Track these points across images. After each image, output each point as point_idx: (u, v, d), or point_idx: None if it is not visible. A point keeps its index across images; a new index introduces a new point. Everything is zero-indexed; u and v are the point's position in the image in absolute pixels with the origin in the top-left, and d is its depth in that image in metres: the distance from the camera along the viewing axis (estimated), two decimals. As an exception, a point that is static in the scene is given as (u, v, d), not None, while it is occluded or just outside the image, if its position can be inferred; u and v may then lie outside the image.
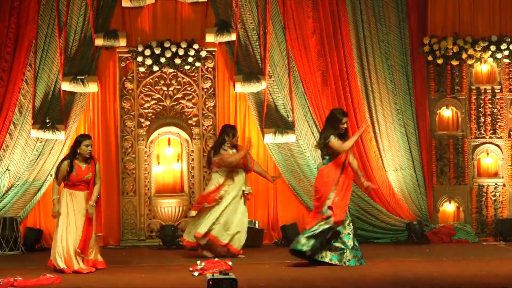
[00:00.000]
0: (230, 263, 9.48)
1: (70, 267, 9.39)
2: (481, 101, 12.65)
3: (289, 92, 12.31)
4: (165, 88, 12.42)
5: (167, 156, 12.50)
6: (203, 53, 12.35)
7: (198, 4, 12.33)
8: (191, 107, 12.43)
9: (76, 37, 12.12)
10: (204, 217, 10.62)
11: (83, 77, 11.95)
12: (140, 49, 12.18)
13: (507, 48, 12.49)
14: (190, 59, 12.26)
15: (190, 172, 12.40)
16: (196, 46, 12.27)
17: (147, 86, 12.40)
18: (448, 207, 12.64)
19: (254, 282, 8.56)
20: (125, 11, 12.32)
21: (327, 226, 9.52)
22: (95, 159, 9.79)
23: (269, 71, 12.28)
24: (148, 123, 12.37)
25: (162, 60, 12.21)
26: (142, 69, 12.31)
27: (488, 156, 12.66)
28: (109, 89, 12.35)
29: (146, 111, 12.39)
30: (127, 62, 12.38)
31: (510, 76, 12.67)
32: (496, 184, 12.62)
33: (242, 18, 12.30)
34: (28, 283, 8.51)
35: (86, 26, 12.12)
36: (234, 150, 10.75)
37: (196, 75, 12.43)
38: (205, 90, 12.44)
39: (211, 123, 12.41)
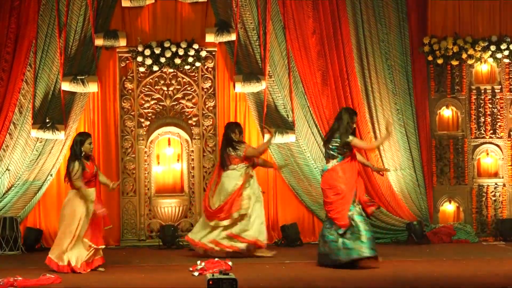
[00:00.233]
0: (230, 263, 9.48)
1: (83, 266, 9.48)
2: (481, 101, 12.66)
3: (289, 92, 12.31)
4: (165, 88, 12.42)
5: (167, 156, 12.50)
6: (203, 53, 12.35)
7: (198, 4, 12.33)
8: (191, 107, 12.43)
9: (76, 37, 12.12)
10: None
11: (83, 77, 11.95)
12: (140, 49, 12.18)
13: (507, 48, 12.50)
14: (190, 59, 12.26)
15: (190, 172, 12.39)
16: (196, 46, 12.27)
17: (147, 86, 12.40)
18: (448, 207, 12.64)
19: (254, 282, 8.56)
20: (125, 11, 12.32)
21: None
22: (92, 155, 9.98)
23: (269, 71, 12.28)
24: (148, 123, 12.37)
25: (162, 60, 12.21)
26: (142, 69, 12.31)
27: (488, 156, 12.66)
28: (109, 89, 12.35)
29: (146, 111, 12.39)
30: (127, 62, 12.38)
31: (510, 76, 12.67)
32: (496, 184, 12.63)
33: (242, 18, 12.30)
34: (28, 283, 8.51)
35: (86, 26, 12.12)
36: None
37: (196, 75, 12.43)
38: (205, 90, 12.44)
39: (211, 123, 12.41)
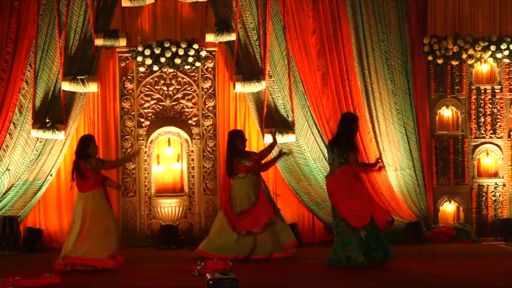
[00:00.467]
0: (230, 263, 9.47)
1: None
2: (481, 101, 12.65)
3: (289, 92, 12.31)
4: (165, 88, 12.42)
5: (167, 156, 12.50)
6: (203, 53, 12.35)
7: (198, 4, 12.33)
8: (191, 107, 12.43)
9: (76, 37, 12.12)
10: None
11: (83, 77, 11.95)
12: (140, 49, 12.18)
13: (507, 48, 12.50)
14: (190, 59, 12.26)
15: (190, 172, 12.39)
16: (196, 46, 12.27)
17: (147, 86, 12.40)
18: (448, 207, 12.64)
19: (254, 282, 8.56)
20: (125, 11, 12.32)
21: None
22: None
23: (269, 71, 12.27)
24: (148, 123, 12.37)
25: (162, 60, 12.21)
26: (142, 69, 12.31)
27: (488, 156, 12.66)
28: (109, 89, 12.35)
29: (146, 111, 12.39)
30: (127, 62, 12.38)
31: (510, 76, 12.67)
32: (496, 184, 12.62)
33: (242, 18, 12.30)
34: (28, 283, 8.50)
35: (86, 26, 12.12)
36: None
37: (196, 75, 12.43)
38: (205, 90, 12.44)
39: (211, 123, 12.41)
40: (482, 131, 12.63)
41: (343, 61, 12.40)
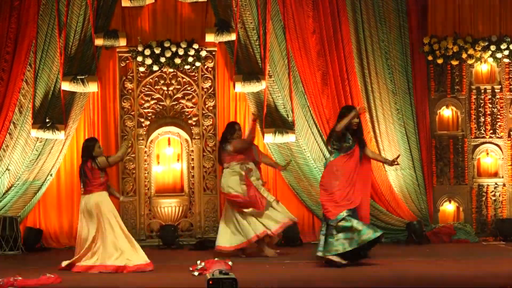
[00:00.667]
0: (230, 263, 9.47)
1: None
2: (481, 101, 12.65)
3: (289, 92, 12.31)
4: (165, 88, 12.42)
5: (167, 156, 12.50)
6: (203, 53, 12.36)
7: (198, 4, 12.33)
8: (191, 107, 12.43)
9: (76, 37, 12.12)
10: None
11: (83, 77, 11.95)
12: (140, 48, 12.19)
13: (507, 48, 12.50)
14: (190, 59, 12.26)
15: (190, 172, 12.40)
16: (196, 46, 12.27)
17: (147, 86, 12.40)
18: (448, 207, 12.64)
19: (254, 282, 8.56)
20: (125, 11, 12.32)
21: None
22: None
23: (269, 71, 12.28)
24: (148, 123, 12.37)
25: (162, 60, 12.21)
26: (142, 69, 12.31)
27: (488, 156, 12.66)
28: (109, 89, 12.36)
29: (146, 111, 12.39)
30: (127, 62, 12.38)
31: (510, 76, 12.67)
32: (496, 184, 12.62)
33: (242, 18, 12.30)
34: (28, 283, 8.50)
35: (86, 26, 12.12)
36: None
37: (196, 75, 12.44)
38: (205, 90, 12.44)
39: (211, 123, 12.41)
40: (482, 131, 12.63)
41: (343, 61, 12.40)
